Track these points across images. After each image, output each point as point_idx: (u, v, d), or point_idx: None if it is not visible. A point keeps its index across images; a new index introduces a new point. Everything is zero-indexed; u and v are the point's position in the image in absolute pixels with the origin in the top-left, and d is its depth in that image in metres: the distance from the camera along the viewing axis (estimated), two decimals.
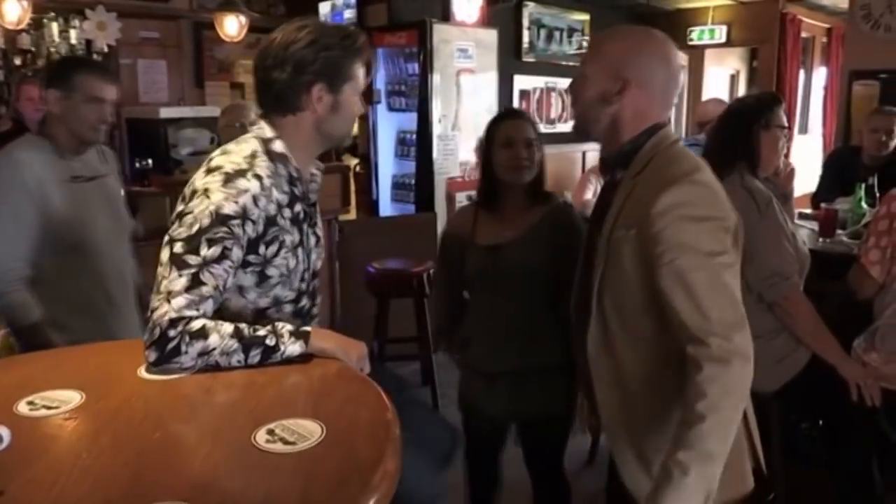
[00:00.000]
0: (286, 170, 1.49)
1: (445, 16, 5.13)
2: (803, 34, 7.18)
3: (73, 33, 5.20)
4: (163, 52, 5.61)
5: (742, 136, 2.28)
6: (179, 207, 1.41)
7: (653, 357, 1.42)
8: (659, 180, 1.35)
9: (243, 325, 1.36)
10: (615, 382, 1.46)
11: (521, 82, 6.54)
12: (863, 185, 2.97)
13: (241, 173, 1.41)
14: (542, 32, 6.66)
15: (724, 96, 7.32)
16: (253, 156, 1.45)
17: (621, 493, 1.48)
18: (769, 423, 2.36)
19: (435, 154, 4.96)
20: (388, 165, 5.44)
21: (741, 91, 8.26)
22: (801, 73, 7.42)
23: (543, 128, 6.94)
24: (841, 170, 3.71)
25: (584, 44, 7.05)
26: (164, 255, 1.36)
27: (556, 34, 6.81)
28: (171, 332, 1.29)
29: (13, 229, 1.93)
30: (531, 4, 6.46)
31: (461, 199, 5.17)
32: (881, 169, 3.44)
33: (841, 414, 2.29)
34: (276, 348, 1.35)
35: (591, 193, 5.20)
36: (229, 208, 1.37)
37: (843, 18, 7.65)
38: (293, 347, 1.36)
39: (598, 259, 1.45)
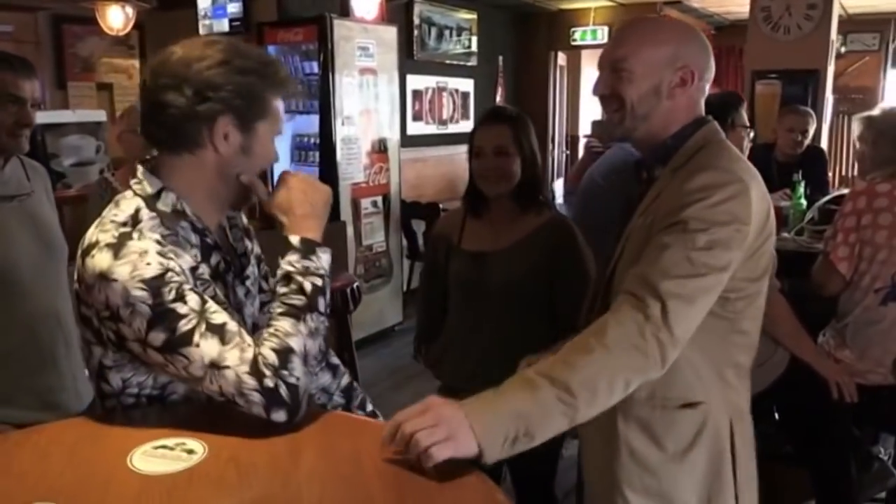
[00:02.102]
0: (187, 222, 1.20)
1: (344, 11, 4.83)
2: None
3: None
4: (18, 47, 4.88)
5: None
6: (83, 311, 1.14)
7: None
8: (697, 168, 1.27)
9: (280, 306, 1.15)
10: None
11: (414, 82, 6.35)
12: (802, 182, 3.02)
13: (126, 236, 1.11)
14: (433, 31, 6.50)
15: None
16: (136, 214, 1.15)
17: None
18: None
19: (339, 158, 4.65)
20: None
21: None
22: None
23: (436, 128, 6.79)
24: (761, 168, 3.79)
25: (472, 42, 6.97)
26: (154, 358, 1.10)
27: (446, 33, 6.68)
28: (268, 381, 1.06)
29: None
30: (420, 2, 6.28)
31: (366, 205, 4.92)
32: (797, 165, 3.55)
33: (818, 413, 2.29)
34: (321, 288, 1.18)
35: None
36: (149, 271, 1.08)
37: (708, 22, 8.08)
38: (324, 258, 1.22)
39: (615, 254, 1.36)
